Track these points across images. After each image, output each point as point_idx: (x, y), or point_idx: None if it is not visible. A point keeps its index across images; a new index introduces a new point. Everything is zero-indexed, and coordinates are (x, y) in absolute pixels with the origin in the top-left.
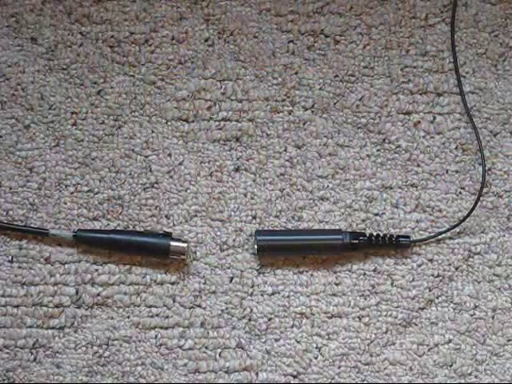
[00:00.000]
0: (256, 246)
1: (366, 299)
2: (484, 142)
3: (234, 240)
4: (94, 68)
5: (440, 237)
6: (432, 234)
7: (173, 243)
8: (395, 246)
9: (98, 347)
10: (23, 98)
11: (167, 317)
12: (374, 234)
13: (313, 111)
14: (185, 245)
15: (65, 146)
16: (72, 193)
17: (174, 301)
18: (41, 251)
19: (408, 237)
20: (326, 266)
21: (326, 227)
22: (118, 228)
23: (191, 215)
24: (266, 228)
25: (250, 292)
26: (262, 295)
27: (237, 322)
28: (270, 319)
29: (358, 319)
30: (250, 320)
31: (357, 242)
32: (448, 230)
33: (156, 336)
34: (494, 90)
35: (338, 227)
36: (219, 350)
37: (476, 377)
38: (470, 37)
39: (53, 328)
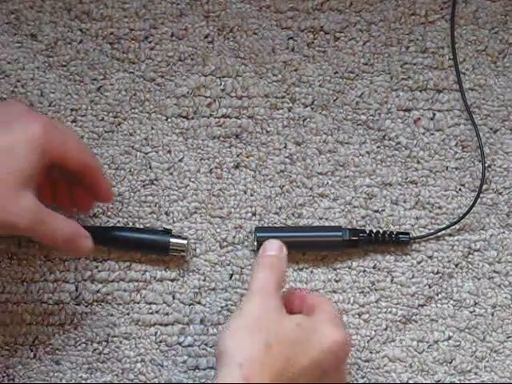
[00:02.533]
0: (256, 243)
1: (365, 296)
2: (484, 139)
3: (234, 237)
4: (94, 65)
5: (440, 234)
6: (431, 231)
7: (172, 240)
8: (395, 242)
9: (98, 344)
10: (23, 94)
11: (167, 314)
12: (374, 230)
13: (312, 108)
14: (185, 242)
15: None
16: None
17: (173, 298)
18: (40, 248)
19: (408, 234)
20: (326, 262)
21: (326, 224)
22: (118, 225)
23: (191, 212)
24: (265, 225)
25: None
26: None
27: None
28: None
29: (357, 316)
30: None
31: (356, 238)
32: (448, 226)
33: (156, 333)
34: (494, 87)
35: (337, 224)
36: None
37: (476, 374)
38: (469, 34)
39: (52, 325)
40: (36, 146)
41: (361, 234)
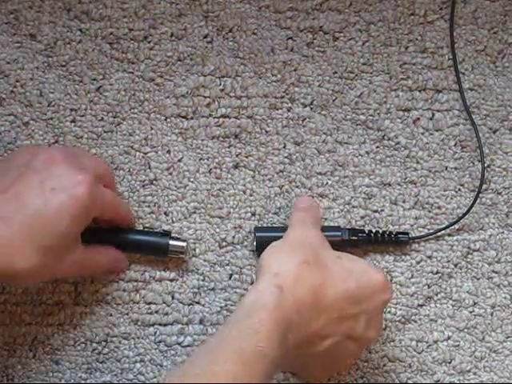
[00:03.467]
0: (255, 243)
1: None
2: (483, 139)
3: (233, 237)
4: (93, 65)
5: (439, 234)
6: (431, 231)
7: (172, 242)
8: (394, 242)
9: (97, 344)
10: (22, 94)
11: (166, 314)
12: (373, 230)
13: (312, 108)
14: (184, 244)
15: (64, 143)
16: None
17: (172, 298)
18: None
19: (407, 233)
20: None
21: (325, 224)
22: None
23: (190, 212)
24: (265, 225)
25: (249, 289)
26: None
27: None
28: None
29: None
30: None
31: (356, 238)
32: (447, 226)
33: (155, 333)
34: (493, 87)
35: (337, 224)
36: None
37: (475, 374)
38: (469, 34)
39: (52, 325)
40: (82, 208)
41: (360, 234)
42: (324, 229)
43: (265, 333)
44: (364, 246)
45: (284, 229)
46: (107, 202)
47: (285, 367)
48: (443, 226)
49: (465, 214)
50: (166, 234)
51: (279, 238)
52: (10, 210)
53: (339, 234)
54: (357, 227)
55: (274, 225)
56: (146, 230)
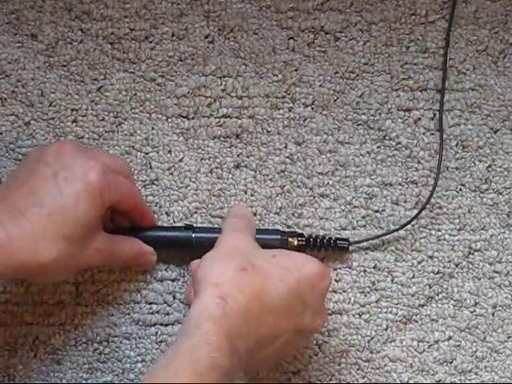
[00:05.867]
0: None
1: (366, 296)
2: (484, 139)
3: None
4: (94, 65)
5: (440, 233)
6: (370, 236)
7: (195, 235)
8: (333, 248)
9: (98, 344)
10: (23, 94)
11: (167, 314)
12: (314, 235)
13: (313, 108)
14: None
15: None
16: None
17: (174, 298)
18: None
19: (347, 240)
20: (326, 262)
21: (327, 224)
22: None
23: (191, 212)
24: (266, 225)
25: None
26: None
27: None
28: None
29: (358, 316)
30: None
31: (295, 242)
32: (389, 232)
33: (156, 333)
34: (494, 87)
35: (338, 224)
36: None
37: (476, 374)
38: (470, 34)
39: (53, 325)
40: (96, 193)
41: (299, 238)
42: (263, 232)
43: (216, 343)
44: (304, 250)
45: (220, 230)
46: (121, 186)
47: (240, 374)
48: (385, 231)
49: (412, 220)
50: (189, 228)
51: (215, 238)
52: (28, 204)
53: (278, 237)
54: (300, 231)
55: (275, 225)
56: (167, 226)
